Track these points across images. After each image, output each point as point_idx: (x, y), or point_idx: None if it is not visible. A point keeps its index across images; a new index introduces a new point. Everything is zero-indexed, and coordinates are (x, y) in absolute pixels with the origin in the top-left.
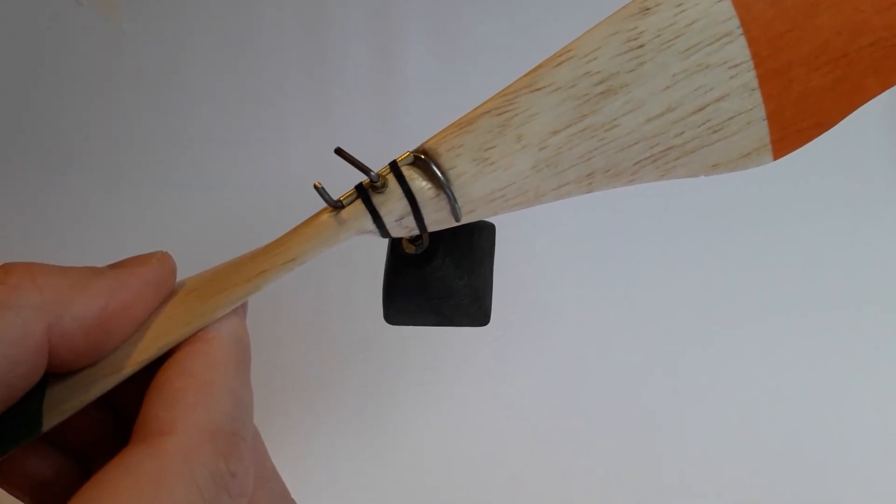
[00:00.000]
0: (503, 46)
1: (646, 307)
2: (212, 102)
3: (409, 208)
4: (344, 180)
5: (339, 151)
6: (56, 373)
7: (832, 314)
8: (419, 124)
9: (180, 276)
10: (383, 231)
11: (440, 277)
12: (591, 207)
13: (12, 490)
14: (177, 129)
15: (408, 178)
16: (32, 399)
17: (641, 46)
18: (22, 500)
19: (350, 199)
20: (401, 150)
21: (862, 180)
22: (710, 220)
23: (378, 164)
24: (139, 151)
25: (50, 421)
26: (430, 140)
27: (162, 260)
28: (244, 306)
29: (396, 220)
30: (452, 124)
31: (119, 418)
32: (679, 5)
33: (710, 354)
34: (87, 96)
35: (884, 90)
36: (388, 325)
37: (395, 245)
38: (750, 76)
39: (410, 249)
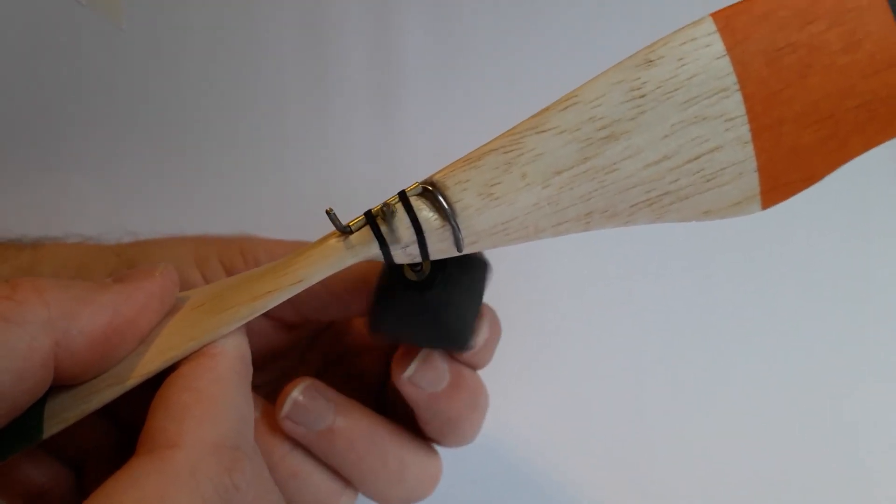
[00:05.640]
0: (503, 45)
1: (644, 307)
2: (212, 103)
3: (414, 237)
4: (342, 182)
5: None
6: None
7: (832, 315)
8: (419, 124)
9: None
10: (388, 257)
11: (436, 305)
12: None
13: (8, 498)
14: (177, 130)
15: (416, 209)
16: (34, 406)
17: (644, 96)
18: None
19: (358, 225)
20: (399, 149)
21: (861, 179)
22: (708, 223)
23: (376, 166)
24: (139, 151)
25: (50, 429)
26: (438, 173)
27: (165, 273)
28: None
29: (402, 248)
30: (460, 159)
31: (117, 427)
32: (680, 59)
33: (710, 358)
34: (87, 96)
35: (868, 149)
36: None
37: (396, 271)
38: (744, 130)
39: (412, 276)
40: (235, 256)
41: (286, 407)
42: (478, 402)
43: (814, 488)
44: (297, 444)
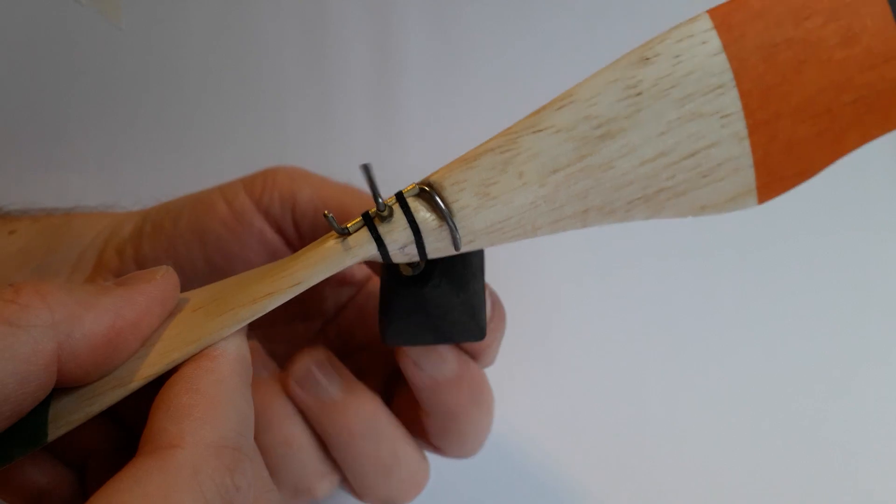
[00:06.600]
0: (503, 45)
1: (641, 304)
2: (212, 103)
3: (412, 238)
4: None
5: (366, 168)
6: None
7: (829, 312)
8: (419, 124)
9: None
10: (386, 258)
11: (438, 296)
12: None
13: (9, 498)
14: (177, 129)
15: (413, 210)
16: (38, 410)
17: (639, 94)
18: None
19: (356, 226)
20: (399, 150)
21: (862, 179)
22: (707, 220)
23: (376, 166)
24: (139, 151)
25: (55, 431)
26: (435, 173)
27: (166, 276)
28: None
29: (399, 248)
30: (457, 160)
31: (118, 428)
32: (677, 56)
33: (707, 354)
34: (87, 96)
35: (863, 143)
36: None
37: (392, 268)
38: (740, 126)
39: (408, 272)
40: (257, 181)
41: (298, 372)
42: (481, 399)
43: (808, 484)
44: (299, 411)
